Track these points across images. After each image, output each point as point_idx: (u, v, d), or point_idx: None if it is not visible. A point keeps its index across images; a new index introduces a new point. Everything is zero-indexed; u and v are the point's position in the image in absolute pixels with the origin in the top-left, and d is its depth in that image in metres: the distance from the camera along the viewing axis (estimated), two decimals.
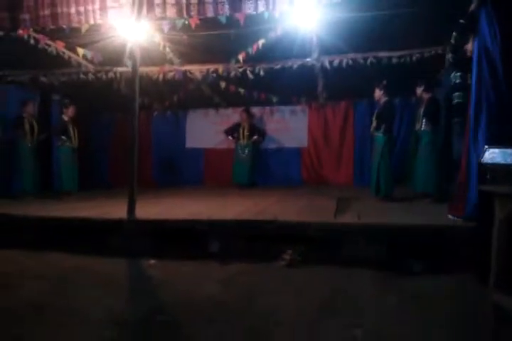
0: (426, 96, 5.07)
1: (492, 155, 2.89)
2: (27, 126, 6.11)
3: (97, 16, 4.17)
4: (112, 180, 8.66)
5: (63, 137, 6.22)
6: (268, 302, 2.60)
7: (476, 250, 2.85)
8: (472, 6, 3.29)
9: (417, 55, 5.42)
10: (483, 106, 3.14)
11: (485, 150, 2.97)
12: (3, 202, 5.33)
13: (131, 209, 3.84)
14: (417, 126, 5.13)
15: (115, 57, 5.75)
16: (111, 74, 6.43)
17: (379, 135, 5.12)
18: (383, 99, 5.20)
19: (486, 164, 2.89)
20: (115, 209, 4.32)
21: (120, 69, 6.30)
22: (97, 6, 4.13)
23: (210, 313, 2.43)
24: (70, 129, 6.31)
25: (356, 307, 2.51)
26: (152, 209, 4.53)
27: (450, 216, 3.51)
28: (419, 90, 5.16)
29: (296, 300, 2.62)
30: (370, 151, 6.59)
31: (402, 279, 2.99)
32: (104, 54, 5.63)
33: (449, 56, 3.65)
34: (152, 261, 3.50)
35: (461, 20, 3.39)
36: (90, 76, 6.38)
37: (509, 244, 2.30)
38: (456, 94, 3.68)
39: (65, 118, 6.31)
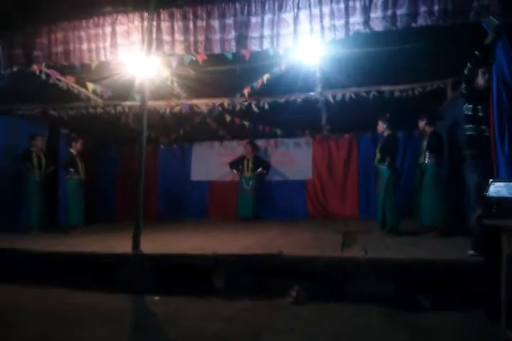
0: (428, 129, 5.10)
1: (497, 188, 2.86)
2: (35, 160, 6.16)
3: (108, 53, 4.33)
4: (118, 213, 8.63)
5: (71, 170, 6.24)
6: (274, 340, 2.49)
7: (485, 285, 2.76)
8: (488, 39, 3.33)
9: (419, 89, 5.54)
10: (505, 137, 3.13)
11: (490, 184, 2.95)
12: (9, 236, 5.27)
13: (136, 244, 3.79)
14: (421, 160, 5.12)
15: (124, 92, 5.91)
16: (119, 108, 6.59)
17: (383, 168, 5.12)
18: (387, 132, 5.25)
19: (492, 198, 2.85)
20: (120, 244, 4.28)
21: (128, 103, 6.45)
22: (107, 43, 4.30)
23: None
24: (78, 162, 6.36)
25: None
26: (157, 243, 4.48)
27: (471, 252, 3.41)
28: (421, 124, 5.18)
29: (303, 339, 2.54)
30: (374, 184, 6.57)
31: (412, 315, 2.91)
32: (113, 89, 5.79)
33: (462, 87, 3.68)
34: (157, 298, 3.41)
35: (476, 52, 3.45)
36: (99, 110, 6.53)
37: None
38: (468, 126, 3.69)
39: (73, 151, 6.37)
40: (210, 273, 3.65)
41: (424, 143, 5.10)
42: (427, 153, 4.97)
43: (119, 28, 4.15)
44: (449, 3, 3.14)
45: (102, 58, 4.39)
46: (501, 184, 2.86)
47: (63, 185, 6.62)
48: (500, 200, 2.76)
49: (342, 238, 4.69)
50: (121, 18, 4.14)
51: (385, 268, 3.35)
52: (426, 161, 4.99)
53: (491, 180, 3.24)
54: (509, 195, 2.73)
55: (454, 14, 3.16)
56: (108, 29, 4.17)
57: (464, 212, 4.74)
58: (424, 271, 3.28)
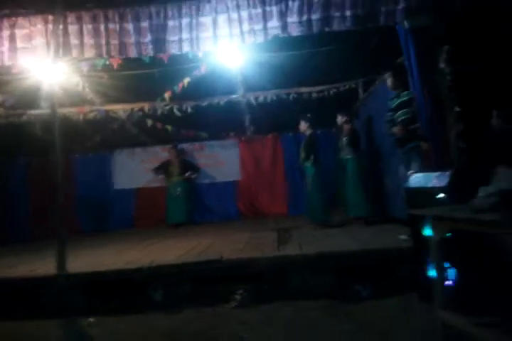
0: (347, 127, 5.38)
1: (417, 179, 3.07)
2: None
3: (5, 58, 3.88)
4: (33, 231, 7.82)
5: None
6: None
7: (415, 270, 2.95)
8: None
9: (334, 90, 5.82)
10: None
11: (409, 175, 3.16)
12: None
13: (61, 263, 3.44)
14: (342, 155, 5.39)
15: (29, 100, 5.39)
16: (24, 118, 5.99)
17: (308, 165, 5.29)
18: (308, 131, 5.41)
19: (412, 188, 3.05)
20: (43, 265, 3.87)
21: (34, 112, 5.89)
22: (5, 47, 3.86)
23: None
24: None
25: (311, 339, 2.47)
26: (85, 260, 4.12)
27: (403, 236, 3.60)
28: (340, 120, 5.45)
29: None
30: (301, 181, 6.76)
31: (351, 306, 3.00)
32: (17, 97, 5.25)
33: (390, 80, 3.90)
34: (91, 320, 3.15)
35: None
36: (1, 120, 5.87)
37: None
38: (402, 111, 3.84)
39: None
40: (147, 287, 3.45)
41: (344, 139, 5.37)
42: (348, 149, 5.24)
43: (19, 32, 3.74)
44: (359, 8, 3.32)
45: None
46: (420, 175, 3.07)
47: None
48: (420, 190, 2.96)
49: (277, 236, 4.74)
50: (21, 21, 3.72)
51: (321, 262, 3.43)
52: (347, 156, 5.26)
53: (410, 171, 3.49)
54: (427, 185, 2.91)
55: (365, 19, 3.34)
56: (6, 33, 3.73)
57: (387, 202, 5.06)
58: (359, 261, 3.41)
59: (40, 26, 3.74)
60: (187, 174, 7.45)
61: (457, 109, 3.04)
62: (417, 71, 3.12)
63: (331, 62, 4.77)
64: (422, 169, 3.64)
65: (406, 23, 3.18)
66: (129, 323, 3.05)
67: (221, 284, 3.46)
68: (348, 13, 3.35)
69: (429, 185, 2.92)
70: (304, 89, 5.82)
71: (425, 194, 2.91)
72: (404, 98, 3.79)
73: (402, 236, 3.57)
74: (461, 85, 2.99)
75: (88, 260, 4.18)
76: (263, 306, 3.14)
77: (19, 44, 3.83)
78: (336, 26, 3.41)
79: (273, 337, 2.58)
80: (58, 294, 3.39)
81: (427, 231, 2.60)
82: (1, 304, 3.45)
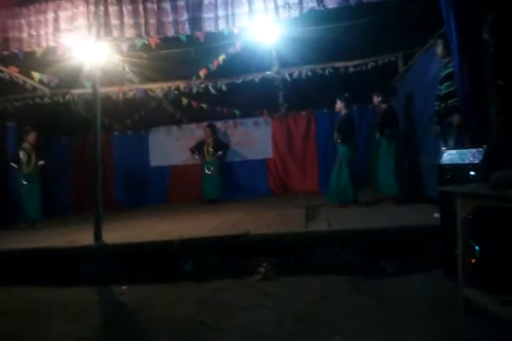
0: (383, 106, 5.24)
1: (450, 156, 3.02)
2: None
3: (50, 39, 4.06)
4: (74, 204, 8.33)
5: (14, 165, 5.92)
6: (247, 317, 2.58)
7: (443, 247, 2.95)
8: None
9: (372, 64, 5.67)
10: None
11: (443, 152, 3.11)
12: None
13: (98, 235, 3.70)
14: (377, 134, 5.30)
15: (72, 80, 5.62)
16: (68, 97, 6.27)
17: (342, 145, 5.24)
18: (344, 111, 5.33)
19: (445, 165, 3.01)
20: (82, 236, 4.18)
21: (77, 91, 6.14)
22: (50, 29, 4.03)
23: (189, 334, 2.39)
24: (29, 156, 6.01)
25: (334, 314, 2.54)
26: (120, 232, 4.40)
27: (436, 214, 3.52)
28: (376, 100, 5.31)
29: (275, 313, 2.62)
30: (333, 160, 6.74)
31: (376, 282, 3.05)
32: (61, 77, 5.48)
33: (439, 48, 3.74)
34: (124, 287, 3.37)
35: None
36: (46, 99, 6.19)
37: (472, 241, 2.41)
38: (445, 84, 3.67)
39: (25, 145, 5.99)
40: (177, 259, 3.64)
41: (379, 119, 5.26)
42: (382, 128, 5.14)
43: (63, 14, 3.89)
44: None
45: (44, 44, 4.11)
46: (454, 151, 3.02)
47: (15, 180, 6.24)
48: (452, 167, 2.92)
49: (305, 213, 4.82)
50: (64, 3, 3.87)
51: (349, 239, 3.49)
52: (381, 136, 5.17)
53: (443, 148, 3.42)
54: (461, 162, 2.87)
55: None
56: (51, 15, 3.90)
57: (422, 180, 4.99)
58: (386, 238, 3.44)
59: (82, 8, 3.89)
60: (219, 153, 7.58)
61: (500, 82, 2.92)
62: (457, 41, 3.00)
63: (368, 35, 4.62)
64: (456, 145, 3.57)
65: None
66: (161, 291, 3.25)
67: (247, 258, 3.60)
68: None
69: (463, 161, 2.88)
70: (340, 64, 5.70)
71: (458, 171, 2.88)
72: (450, 69, 3.55)
73: (436, 215, 3.51)
74: (506, 57, 2.86)
75: (124, 232, 4.47)
76: (287, 279, 3.25)
77: (63, 26, 4.00)
78: None
79: (295, 308, 2.67)
80: (94, 263, 3.64)
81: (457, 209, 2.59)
82: (42, 271, 3.78)
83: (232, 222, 4.58)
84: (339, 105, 5.33)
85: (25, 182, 5.95)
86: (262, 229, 3.92)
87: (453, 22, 2.97)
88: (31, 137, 6.06)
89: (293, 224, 4.10)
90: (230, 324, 2.49)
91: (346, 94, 5.27)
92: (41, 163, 6.16)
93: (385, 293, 2.79)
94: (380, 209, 4.71)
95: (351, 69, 5.69)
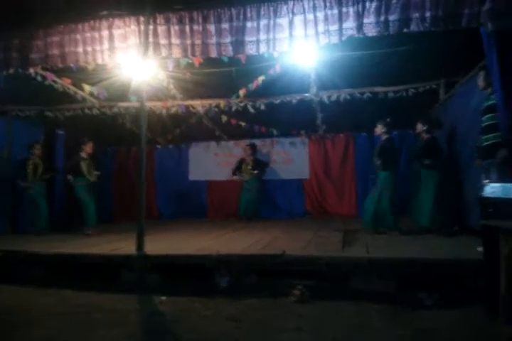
0: (426, 136, 5.10)
1: (493, 189, 2.91)
2: (30, 168, 6.10)
3: (105, 56, 4.34)
4: (116, 213, 8.64)
5: (70, 177, 6.10)
6: (281, 339, 2.56)
7: (484, 283, 2.83)
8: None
9: (412, 90, 5.60)
10: None
11: (485, 185, 3.00)
12: (11, 239, 5.31)
13: (140, 245, 3.83)
14: (417, 163, 5.15)
15: (120, 94, 5.94)
16: (115, 109, 6.61)
17: (382, 171, 5.14)
18: (385, 136, 5.25)
19: (488, 198, 2.90)
20: (124, 245, 4.36)
21: (124, 104, 6.47)
22: (105, 46, 4.31)
23: None
24: (86, 166, 6.18)
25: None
26: (160, 243, 4.53)
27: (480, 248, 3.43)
28: (420, 128, 5.15)
29: (310, 336, 2.60)
30: (372, 185, 6.59)
31: (413, 313, 2.95)
32: (110, 90, 5.82)
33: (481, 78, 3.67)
34: (163, 298, 3.46)
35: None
36: (95, 111, 6.56)
37: None
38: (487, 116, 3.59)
39: (83, 154, 6.25)
40: (213, 273, 3.71)
41: (420, 148, 5.12)
42: (423, 158, 5.00)
43: (116, 32, 4.17)
44: (440, 9, 3.18)
45: (99, 61, 4.39)
46: (497, 185, 2.91)
47: (76, 189, 6.20)
48: (496, 201, 2.82)
49: (342, 237, 4.75)
50: (117, 21, 4.15)
51: (387, 267, 3.40)
52: (422, 165, 5.01)
53: (486, 180, 3.30)
54: (504, 196, 2.76)
55: (446, 20, 3.20)
56: (105, 32, 4.19)
57: (465, 212, 4.80)
58: (425, 270, 3.33)
59: (133, 27, 4.14)
60: (254, 172, 7.66)
61: None
62: (498, 75, 2.93)
63: (409, 61, 4.59)
64: (500, 179, 3.43)
65: (490, 25, 2.99)
66: (197, 304, 3.29)
67: (282, 278, 3.60)
68: (427, 14, 3.25)
69: (506, 196, 2.77)
70: (380, 89, 5.67)
71: (501, 205, 2.76)
72: (491, 101, 3.49)
73: (479, 248, 3.33)
74: None
75: (163, 243, 4.58)
76: (322, 303, 3.21)
77: (116, 43, 4.27)
78: (414, 27, 3.33)
79: (330, 334, 2.62)
80: (135, 272, 3.76)
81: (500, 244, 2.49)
82: (85, 276, 3.96)
83: (268, 241, 4.60)
84: (379, 129, 5.27)
85: (88, 192, 6.16)
86: (297, 250, 3.90)
87: (494, 56, 2.92)
88: (89, 147, 6.26)
89: (329, 248, 4.06)
90: None
91: (388, 119, 5.20)
92: (97, 173, 6.33)
93: (422, 326, 2.70)
94: (421, 239, 4.55)
95: (391, 94, 5.64)
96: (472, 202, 4.39)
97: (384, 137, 5.26)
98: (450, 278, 3.28)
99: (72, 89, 5.93)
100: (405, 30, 3.37)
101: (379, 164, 5.15)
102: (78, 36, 4.36)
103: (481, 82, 3.70)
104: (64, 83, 5.63)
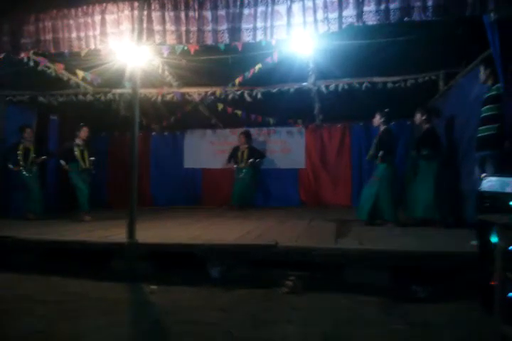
0: (426, 126, 5.04)
1: (490, 183, 2.88)
2: (21, 153, 6.04)
3: (98, 41, 4.23)
4: (110, 200, 8.61)
5: (62, 162, 6.09)
6: (273, 331, 2.53)
7: (479, 277, 2.82)
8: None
9: (412, 81, 5.53)
10: None
11: (482, 179, 2.97)
12: (4, 223, 5.23)
13: (131, 232, 3.77)
14: (413, 153, 5.12)
15: (114, 80, 5.84)
16: (109, 96, 6.51)
17: (381, 162, 5.09)
18: (383, 127, 5.18)
19: (484, 192, 2.87)
20: (115, 232, 4.31)
21: (119, 90, 6.37)
22: (97, 31, 4.20)
23: None
24: (80, 152, 6.14)
25: (362, 338, 2.45)
26: (152, 231, 4.48)
27: (474, 242, 3.42)
28: (419, 118, 5.08)
29: (301, 329, 2.56)
30: (368, 174, 6.56)
31: (407, 306, 2.93)
32: (103, 76, 5.71)
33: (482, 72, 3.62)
34: (154, 287, 3.41)
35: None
36: (89, 97, 6.46)
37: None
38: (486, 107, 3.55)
39: (77, 140, 6.17)
40: (205, 262, 3.67)
41: (419, 138, 5.07)
42: (422, 149, 4.93)
43: (109, 17, 4.05)
44: None
45: (92, 46, 4.27)
46: (494, 179, 2.88)
47: (71, 175, 6.20)
48: (492, 195, 2.79)
49: (336, 227, 4.73)
50: (110, 7, 4.03)
51: (381, 259, 3.37)
52: (420, 156, 4.97)
53: (483, 174, 3.28)
54: (501, 190, 2.74)
55: (448, 9, 3.12)
56: (97, 18, 4.06)
57: (461, 205, 4.79)
58: (421, 262, 3.31)
59: (127, 12, 4.01)
60: (250, 161, 7.62)
61: None
62: (501, 65, 2.87)
63: (409, 51, 4.50)
64: (498, 172, 3.41)
65: (493, 14, 2.92)
66: (188, 294, 3.25)
67: (274, 269, 3.56)
68: (429, 2, 3.15)
69: (503, 190, 2.74)
70: (378, 79, 5.59)
71: (498, 199, 2.74)
72: (493, 92, 3.46)
73: (473, 242, 3.35)
74: None
75: (155, 231, 4.54)
76: (315, 295, 3.18)
77: (109, 29, 4.15)
78: (415, 16, 3.23)
79: (322, 327, 2.59)
80: (125, 260, 3.70)
81: (495, 239, 2.47)
82: (72, 264, 3.90)
83: (261, 231, 4.56)
84: (377, 120, 5.20)
85: (82, 177, 6.14)
86: (290, 241, 3.87)
87: (497, 46, 2.85)
88: (83, 133, 6.18)
89: (323, 239, 4.03)
90: (254, 336, 2.44)
91: (386, 110, 5.13)
92: (92, 158, 6.29)
93: (416, 320, 2.67)
94: (415, 231, 4.53)
95: (389, 84, 5.57)
96: (468, 195, 4.37)
97: (382, 127, 5.20)
98: (444, 270, 3.25)
99: (66, 74, 5.81)
100: (406, 18, 3.27)
101: (378, 156, 5.10)
102: (71, 21, 4.23)
103: (481, 76, 3.65)
104: (57, 68, 5.51)
